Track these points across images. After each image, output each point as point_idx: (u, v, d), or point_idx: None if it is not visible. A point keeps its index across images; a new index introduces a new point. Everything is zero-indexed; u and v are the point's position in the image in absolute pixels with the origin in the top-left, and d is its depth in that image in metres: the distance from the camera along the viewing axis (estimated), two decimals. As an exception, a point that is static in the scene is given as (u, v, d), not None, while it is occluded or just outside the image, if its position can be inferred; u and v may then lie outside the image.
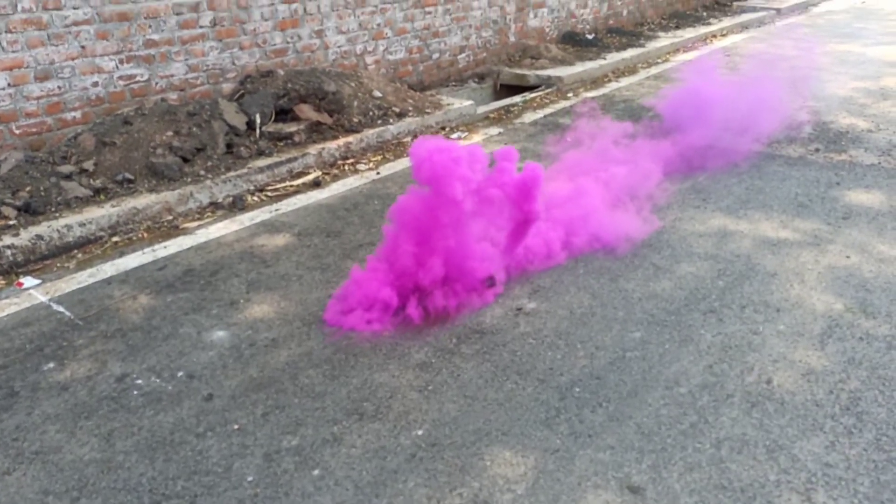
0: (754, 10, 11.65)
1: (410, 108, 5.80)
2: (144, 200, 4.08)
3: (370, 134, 5.27)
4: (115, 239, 3.89)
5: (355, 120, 5.37)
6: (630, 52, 8.30)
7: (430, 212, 3.03)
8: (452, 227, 3.07)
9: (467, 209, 3.05)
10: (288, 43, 5.63)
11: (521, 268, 3.39)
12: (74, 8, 4.37)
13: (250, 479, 2.17)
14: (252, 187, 4.52)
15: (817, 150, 4.98)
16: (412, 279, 3.07)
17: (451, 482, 2.13)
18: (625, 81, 7.36)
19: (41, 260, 3.65)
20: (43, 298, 3.27)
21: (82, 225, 3.82)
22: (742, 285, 3.20)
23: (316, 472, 2.19)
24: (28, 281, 3.43)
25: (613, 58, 8.01)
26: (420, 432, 2.34)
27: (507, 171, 3.19)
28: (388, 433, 2.34)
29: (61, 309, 3.18)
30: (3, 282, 3.44)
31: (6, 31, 4.13)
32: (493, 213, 3.28)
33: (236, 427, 2.39)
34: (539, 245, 3.48)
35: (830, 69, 7.28)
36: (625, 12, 9.83)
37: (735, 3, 12.21)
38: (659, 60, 8.39)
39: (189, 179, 4.36)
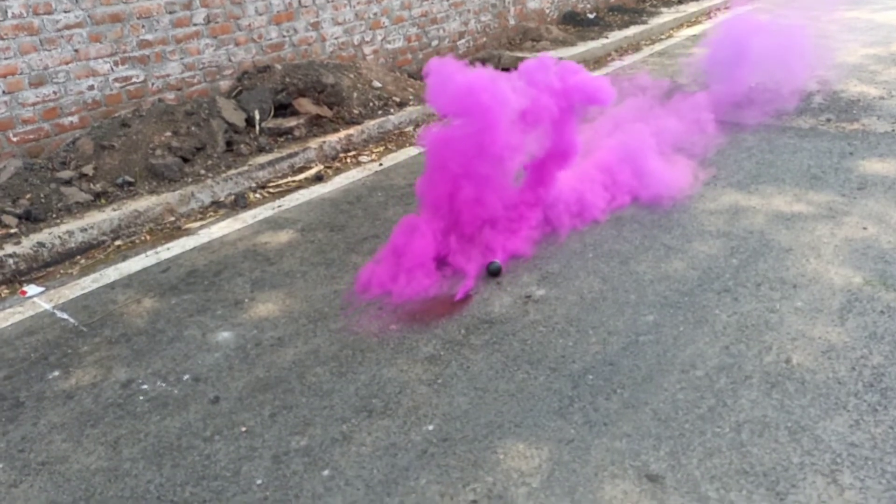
0: (758, -20, 11.44)
1: (411, 97, 5.72)
2: (145, 203, 4.04)
3: (371, 125, 5.20)
4: (117, 243, 3.85)
5: (356, 111, 5.30)
6: (633, 30, 8.17)
7: (471, 145, 2.97)
8: (494, 159, 3.01)
9: (511, 138, 3.00)
10: (284, 37, 5.56)
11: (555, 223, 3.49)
12: (65, 11, 4.32)
13: (259, 482, 2.13)
14: (254, 184, 4.47)
15: (829, 119, 4.86)
16: (461, 226, 3.06)
17: (464, 477, 2.08)
18: (628, 60, 7.24)
19: (44, 267, 3.62)
20: (47, 306, 3.24)
21: (84, 230, 3.78)
22: (756, 262, 3.12)
23: (326, 472, 2.14)
24: (31, 289, 3.40)
25: (616, 36, 7.89)
26: (431, 427, 2.28)
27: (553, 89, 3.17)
28: (398, 430, 2.29)
29: (65, 316, 3.15)
30: (6, 291, 3.42)
31: (-2, 38, 4.09)
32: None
33: (244, 429, 2.35)
34: (575, 200, 3.53)
35: (839, 37, 7.12)
36: (626, -11, 9.66)
37: (738, -25, 11.99)
38: (662, 37, 8.25)
39: (190, 179, 4.31)
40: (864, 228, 3.33)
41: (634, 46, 7.82)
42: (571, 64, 3.31)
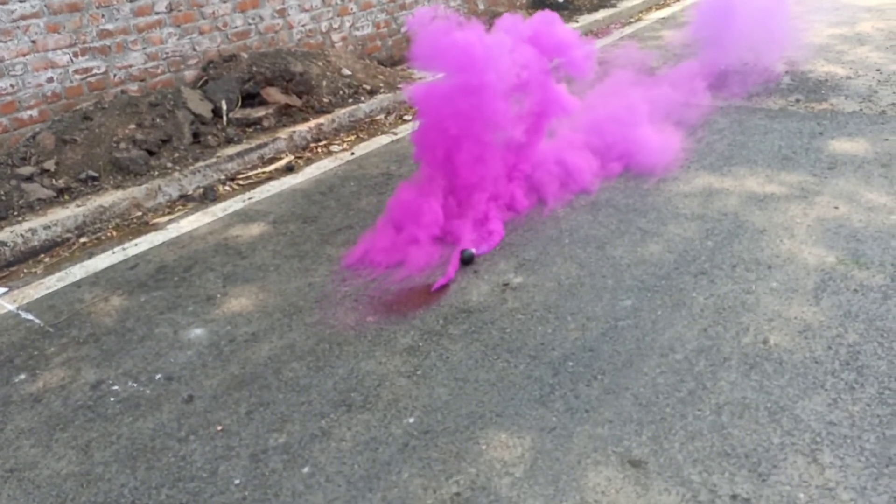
0: (724, -38, 11.49)
1: (382, 85, 5.64)
2: (111, 198, 3.93)
3: (342, 114, 5.12)
4: (82, 240, 3.74)
5: (325, 100, 5.21)
6: (602, 13, 8.15)
7: (468, 109, 2.97)
8: (491, 126, 3.01)
9: (504, 99, 3.00)
10: (249, 24, 5.43)
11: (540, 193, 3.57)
12: (21, 1, 4.16)
13: (237, 481, 2.08)
14: (223, 177, 4.37)
15: (798, 100, 4.90)
16: (458, 190, 3.06)
17: (446, 470, 2.05)
18: (598, 44, 7.21)
19: (7, 267, 3.50)
20: (10, 307, 3.13)
21: (47, 227, 3.66)
22: (731, 244, 3.13)
23: (305, 469, 2.10)
24: (-6, 290, 3.29)
25: (585, 20, 7.86)
26: (411, 420, 2.25)
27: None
28: (378, 423, 2.25)
29: (30, 317, 3.05)
30: (-33, 293, 3.30)
31: (-50, 30, 3.93)
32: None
33: (220, 428, 2.30)
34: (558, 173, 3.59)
35: (805, 17, 7.18)
36: (594, -27, 9.63)
37: (705, -43, 12.03)
38: (632, 20, 8.25)
39: (156, 173, 4.21)
40: (836, 208, 3.36)
41: (604, 30, 7.81)
42: (549, 16, 3.33)
